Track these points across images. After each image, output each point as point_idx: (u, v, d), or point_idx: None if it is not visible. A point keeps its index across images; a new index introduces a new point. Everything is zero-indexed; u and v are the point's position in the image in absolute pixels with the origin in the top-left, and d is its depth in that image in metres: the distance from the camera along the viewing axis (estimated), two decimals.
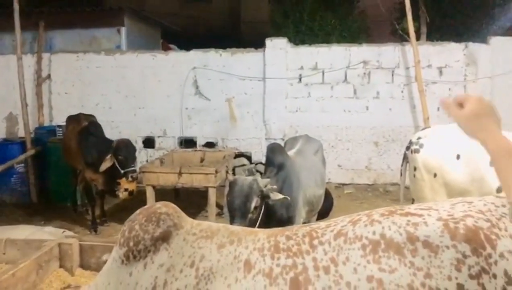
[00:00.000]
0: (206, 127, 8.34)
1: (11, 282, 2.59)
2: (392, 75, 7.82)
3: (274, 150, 3.69)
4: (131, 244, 1.55)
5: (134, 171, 5.66)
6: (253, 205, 3.01)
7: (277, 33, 9.37)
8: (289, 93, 8.07)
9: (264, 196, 3.09)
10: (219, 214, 6.21)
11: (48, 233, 3.88)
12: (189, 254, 1.52)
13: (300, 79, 8.04)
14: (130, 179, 5.64)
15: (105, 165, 5.57)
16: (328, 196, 5.58)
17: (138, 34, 9.85)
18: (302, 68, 8.03)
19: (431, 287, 1.33)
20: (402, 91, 7.79)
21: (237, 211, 2.99)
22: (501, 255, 1.35)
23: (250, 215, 2.99)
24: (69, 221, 6.30)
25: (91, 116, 6.57)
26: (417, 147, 4.03)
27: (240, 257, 1.50)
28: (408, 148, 4.15)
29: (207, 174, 5.66)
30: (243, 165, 8.22)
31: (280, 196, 3.10)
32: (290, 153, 4.19)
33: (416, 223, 1.43)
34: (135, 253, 1.54)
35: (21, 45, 7.38)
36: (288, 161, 3.70)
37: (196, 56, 8.24)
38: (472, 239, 1.37)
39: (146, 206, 1.69)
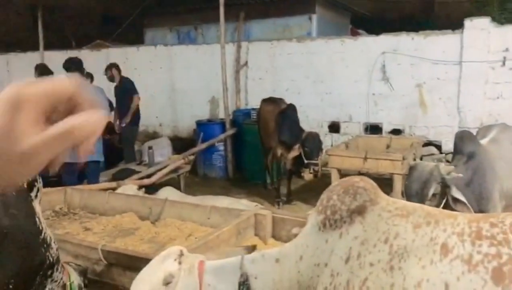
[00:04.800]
0: (393, 113, 8.10)
1: (215, 243, 2.94)
2: None
3: (463, 138, 3.41)
4: (328, 212, 1.63)
5: (317, 164, 5.86)
6: (431, 191, 2.84)
7: (478, 12, 8.53)
8: (489, 78, 7.30)
9: (446, 184, 2.87)
10: None
11: (244, 205, 4.29)
12: (383, 230, 1.54)
13: (503, 62, 7.20)
14: (311, 171, 5.88)
15: (293, 154, 5.94)
16: None
17: (328, 20, 10.01)
18: (507, 50, 7.17)
19: None
20: None
21: (414, 196, 2.87)
22: None
23: (428, 202, 2.83)
24: (260, 196, 6.83)
25: (281, 99, 6.98)
26: None
27: (437, 239, 1.46)
28: None
29: (393, 160, 5.54)
30: (432, 154, 7.77)
31: (461, 196, 2.79)
32: (483, 141, 3.83)
33: None
34: (331, 222, 1.62)
35: (223, 35, 8.14)
36: (480, 150, 3.38)
37: (385, 40, 8.02)
38: None
39: (345, 178, 1.76)
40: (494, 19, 7.54)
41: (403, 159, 5.46)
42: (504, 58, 7.20)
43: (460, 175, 2.94)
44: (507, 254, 1.32)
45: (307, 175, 6.70)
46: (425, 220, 1.52)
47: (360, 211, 1.60)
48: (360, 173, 6.68)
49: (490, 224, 1.42)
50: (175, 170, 6.57)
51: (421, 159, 7.22)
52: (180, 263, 1.67)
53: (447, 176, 2.87)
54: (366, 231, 1.56)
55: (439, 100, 7.70)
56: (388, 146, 6.85)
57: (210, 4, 8.89)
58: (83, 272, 2.24)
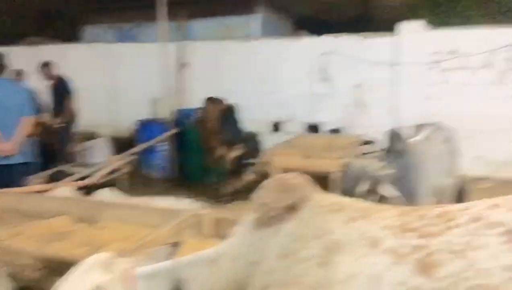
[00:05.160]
0: (333, 113, 8.29)
1: (154, 244, 2.88)
2: None
3: (393, 136, 3.56)
4: (262, 210, 1.64)
5: (254, 164, 5.92)
6: (363, 188, 2.95)
7: (413, 16, 8.91)
8: (423, 79, 7.66)
9: (377, 181, 2.99)
10: None
11: (186, 205, 4.23)
12: (317, 226, 1.56)
13: (436, 64, 7.57)
14: (251, 170, 5.93)
15: (234, 154, 5.96)
16: (462, 189, 5.23)
17: (271, 21, 10.09)
18: (439, 52, 7.55)
19: None
20: None
21: (347, 193, 2.96)
22: None
23: (361, 198, 2.91)
24: (202, 196, 6.76)
25: (223, 99, 6.98)
26: None
27: (368, 233, 1.49)
28: None
29: (332, 159, 5.66)
30: (370, 153, 8.02)
31: (392, 192, 2.93)
32: (416, 139, 4.01)
33: None
34: (266, 219, 1.62)
35: (165, 34, 8.01)
36: (409, 148, 3.53)
37: (326, 41, 8.22)
38: None
39: (279, 175, 1.76)
40: (427, 23, 7.90)
41: (342, 157, 5.58)
42: (437, 60, 7.56)
43: (390, 171, 3.05)
44: (433, 245, 1.37)
45: (249, 175, 6.74)
46: (357, 214, 1.56)
47: (294, 207, 1.61)
48: (301, 172, 6.81)
49: (418, 217, 1.47)
50: (114, 171, 6.40)
51: (359, 157, 7.46)
52: (109, 272, 1.59)
53: (378, 173, 2.98)
54: (300, 227, 1.57)
55: (376, 100, 7.97)
56: (328, 145, 6.99)
57: (152, 2, 8.69)
58: (10, 276, 2.13)
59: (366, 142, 8.03)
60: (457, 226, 1.39)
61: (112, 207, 3.67)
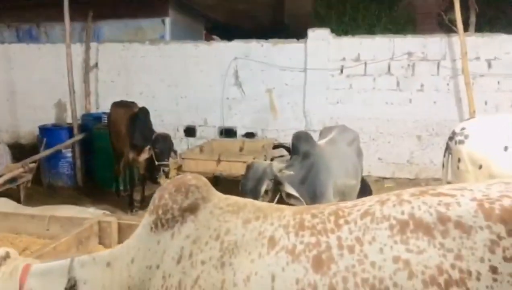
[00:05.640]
0: (246, 117, 8.37)
1: (53, 256, 2.69)
2: (438, 67, 7.57)
3: (299, 138, 3.61)
4: (160, 212, 1.59)
5: (167, 165, 5.79)
6: (263, 188, 2.98)
7: (321, 24, 9.26)
8: (330, 85, 7.97)
9: (278, 181, 3.03)
10: None
11: (90, 214, 4.02)
12: (214, 227, 1.54)
13: (341, 71, 7.92)
14: (162, 172, 5.80)
15: (143, 156, 5.79)
16: (366, 189, 5.48)
17: (182, 24, 9.98)
18: (344, 59, 7.91)
19: (462, 269, 1.29)
20: (447, 84, 7.54)
21: (248, 193, 2.98)
22: None
23: (261, 199, 2.96)
24: (112, 204, 6.52)
25: (133, 103, 6.76)
26: (461, 138, 3.91)
27: (265, 233, 1.50)
28: (451, 138, 4.03)
29: (244, 162, 5.69)
30: (282, 156, 8.20)
31: (293, 191, 2.98)
32: (322, 142, 4.13)
33: (448, 203, 1.39)
34: (163, 222, 1.58)
35: (70, 35, 7.61)
36: (315, 149, 3.61)
37: (237, 46, 8.27)
38: (508, 220, 1.31)
39: (177, 176, 1.73)
40: (333, 31, 8.24)
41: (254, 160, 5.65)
42: (342, 66, 7.92)
43: (291, 173, 3.12)
44: (325, 242, 1.41)
45: (163, 180, 6.57)
46: (255, 215, 1.56)
47: (192, 209, 1.58)
48: (214, 176, 6.78)
49: (311, 215, 1.50)
50: (13, 180, 5.94)
51: (271, 160, 7.59)
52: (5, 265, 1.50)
53: (279, 174, 3.03)
54: (198, 229, 1.55)
55: (287, 105, 8.17)
56: (241, 149, 7.06)
57: (54, 1, 8.21)
58: None
59: (278, 145, 8.21)
60: (347, 222, 1.43)
61: (6, 217, 3.41)
